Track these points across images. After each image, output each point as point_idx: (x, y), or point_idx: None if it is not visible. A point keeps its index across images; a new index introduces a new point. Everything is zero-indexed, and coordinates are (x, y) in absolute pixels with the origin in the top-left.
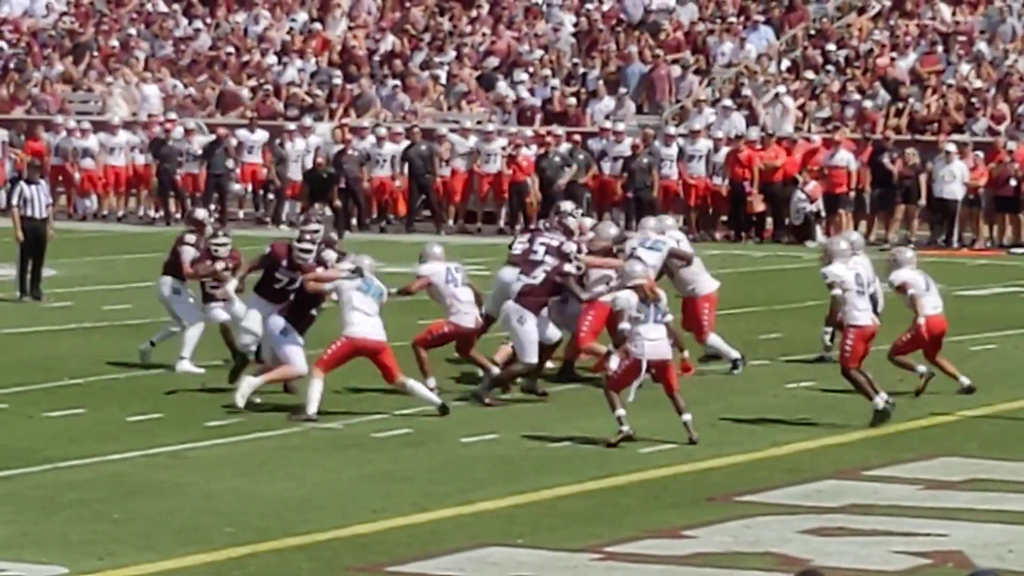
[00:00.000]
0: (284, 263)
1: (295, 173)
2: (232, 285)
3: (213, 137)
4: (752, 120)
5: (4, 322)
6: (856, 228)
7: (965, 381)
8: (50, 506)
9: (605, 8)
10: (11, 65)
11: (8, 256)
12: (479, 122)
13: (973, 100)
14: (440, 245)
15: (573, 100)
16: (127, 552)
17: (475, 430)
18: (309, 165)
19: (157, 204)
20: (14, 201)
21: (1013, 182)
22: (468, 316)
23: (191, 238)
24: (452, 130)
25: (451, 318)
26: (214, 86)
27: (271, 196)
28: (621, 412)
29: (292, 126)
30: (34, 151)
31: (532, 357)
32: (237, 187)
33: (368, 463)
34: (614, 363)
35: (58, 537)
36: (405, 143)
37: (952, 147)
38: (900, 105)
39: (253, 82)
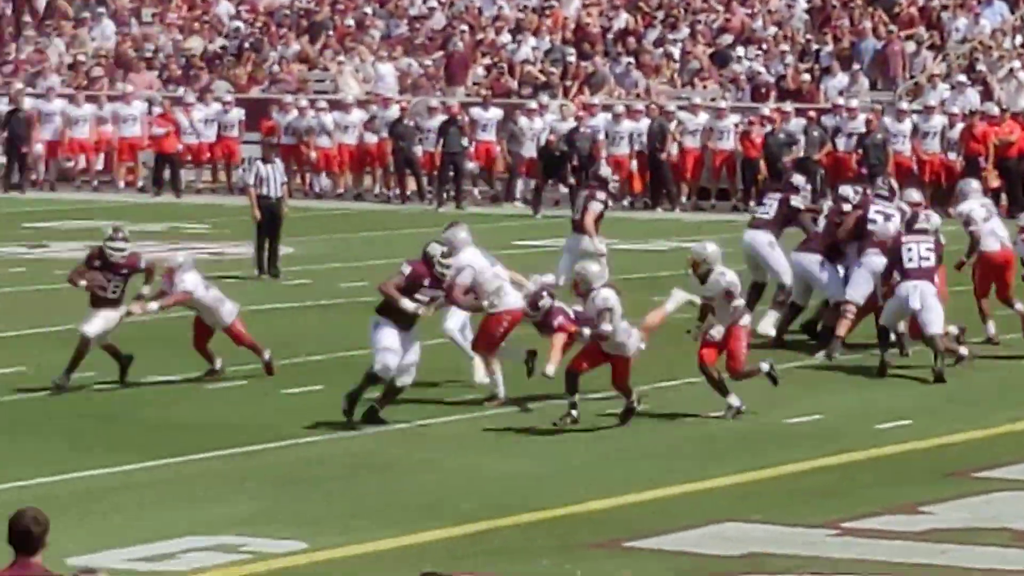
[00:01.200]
0: (427, 282)
1: (529, 151)
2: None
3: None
4: (987, 96)
5: (243, 299)
6: None
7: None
8: (290, 482)
9: None
10: (248, 45)
11: (246, 235)
12: (712, 99)
13: None
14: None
15: (807, 76)
16: (366, 528)
17: (710, 406)
18: (543, 143)
19: (389, 182)
20: (250, 181)
21: None
22: None
23: (601, 195)
24: (681, 107)
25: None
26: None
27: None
28: None
29: (533, 104)
30: (267, 130)
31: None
32: (471, 165)
33: (605, 439)
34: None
35: (298, 513)
36: (645, 120)
37: None
38: None
39: (487, 60)
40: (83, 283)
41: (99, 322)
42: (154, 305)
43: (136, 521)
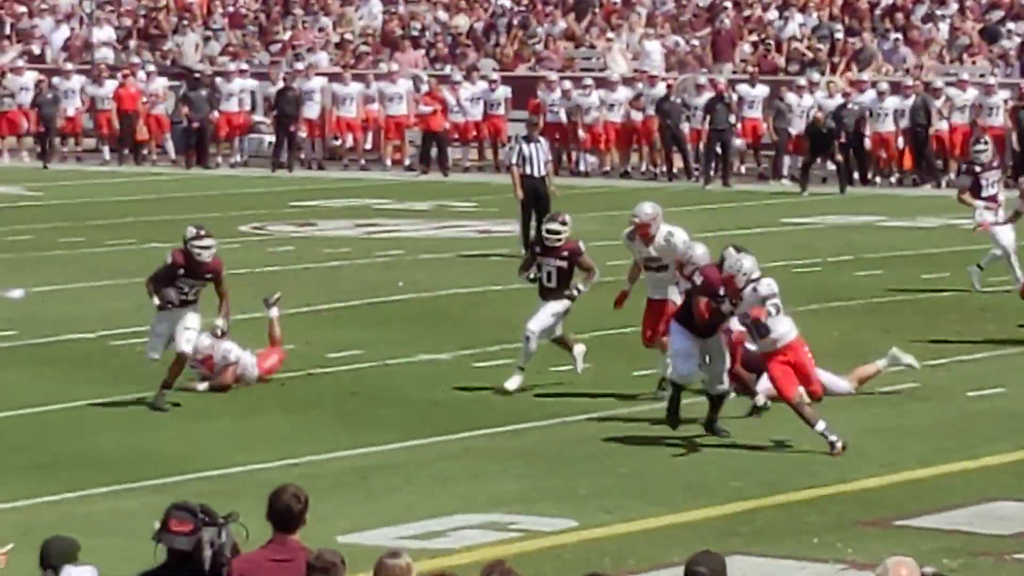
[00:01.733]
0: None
1: (796, 128)
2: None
3: (712, 94)
4: None
5: (508, 278)
6: None
7: None
8: (559, 461)
9: None
10: (515, 22)
11: (513, 213)
12: (981, 75)
13: None
14: None
15: None
16: (635, 506)
17: (981, 384)
18: (811, 120)
19: (655, 159)
20: (513, 159)
21: None
22: None
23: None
24: (949, 83)
25: None
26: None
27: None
28: None
29: (802, 81)
30: (533, 108)
31: None
32: (738, 142)
33: (874, 418)
34: None
35: (567, 491)
36: (913, 96)
37: None
38: None
39: (754, 37)
40: (156, 301)
41: (190, 334)
42: (203, 386)
43: (404, 499)
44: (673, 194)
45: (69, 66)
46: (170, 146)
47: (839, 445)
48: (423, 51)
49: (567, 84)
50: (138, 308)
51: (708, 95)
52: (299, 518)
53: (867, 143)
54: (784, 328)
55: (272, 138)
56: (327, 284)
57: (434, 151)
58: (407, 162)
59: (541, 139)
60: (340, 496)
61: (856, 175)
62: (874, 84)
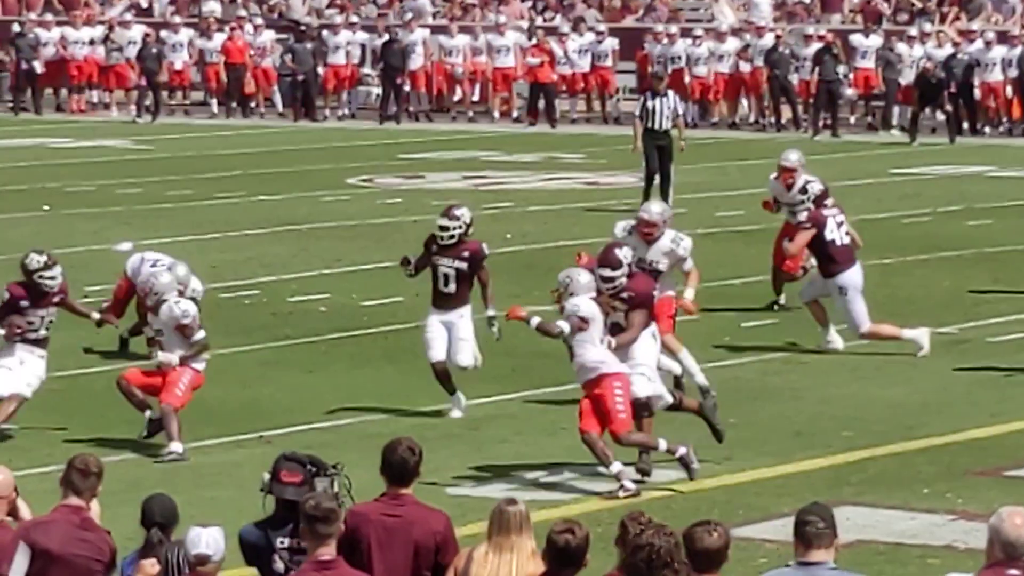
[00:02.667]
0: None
1: (906, 78)
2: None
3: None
4: None
5: None
6: None
7: None
8: (668, 411)
9: None
10: None
11: (621, 165)
12: None
13: None
14: None
15: None
16: (745, 456)
17: None
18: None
19: (764, 110)
20: (637, 112)
21: None
22: None
23: None
24: None
25: None
26: None
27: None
28: None
29: (913, 31)
30: (641, 60)
31: None
32: (849, 92)
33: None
34: None
35: (677, 441)
36: (1020, 46)
37: None
38: None
39: None
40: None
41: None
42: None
43: (514, 450)
44: (781, 144)
45: (177, 19)
46: (278, 99)
47: (629, 490)
48: (530, 2)
49: (674, 32)
50: (246, 260)
51: (816, 46)
52: (414, 471)
53: (976, 93)
54: (594, 357)
55: (379, 90)
56: None
57: (542, 103)
58: (515, 114)
59: (669, 93)
60: (450, 448)
61: (965, 125)
62: (982, 33)
